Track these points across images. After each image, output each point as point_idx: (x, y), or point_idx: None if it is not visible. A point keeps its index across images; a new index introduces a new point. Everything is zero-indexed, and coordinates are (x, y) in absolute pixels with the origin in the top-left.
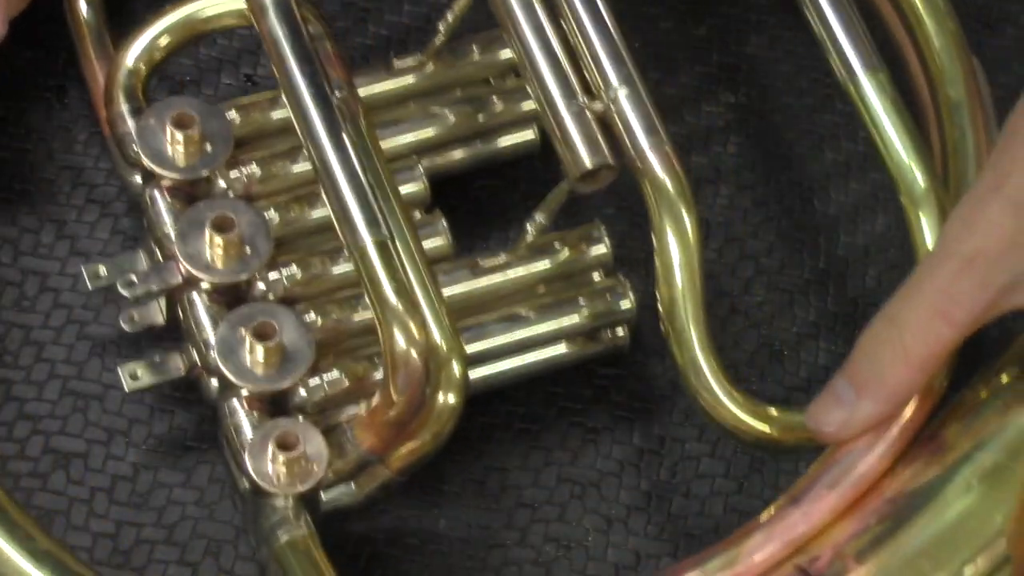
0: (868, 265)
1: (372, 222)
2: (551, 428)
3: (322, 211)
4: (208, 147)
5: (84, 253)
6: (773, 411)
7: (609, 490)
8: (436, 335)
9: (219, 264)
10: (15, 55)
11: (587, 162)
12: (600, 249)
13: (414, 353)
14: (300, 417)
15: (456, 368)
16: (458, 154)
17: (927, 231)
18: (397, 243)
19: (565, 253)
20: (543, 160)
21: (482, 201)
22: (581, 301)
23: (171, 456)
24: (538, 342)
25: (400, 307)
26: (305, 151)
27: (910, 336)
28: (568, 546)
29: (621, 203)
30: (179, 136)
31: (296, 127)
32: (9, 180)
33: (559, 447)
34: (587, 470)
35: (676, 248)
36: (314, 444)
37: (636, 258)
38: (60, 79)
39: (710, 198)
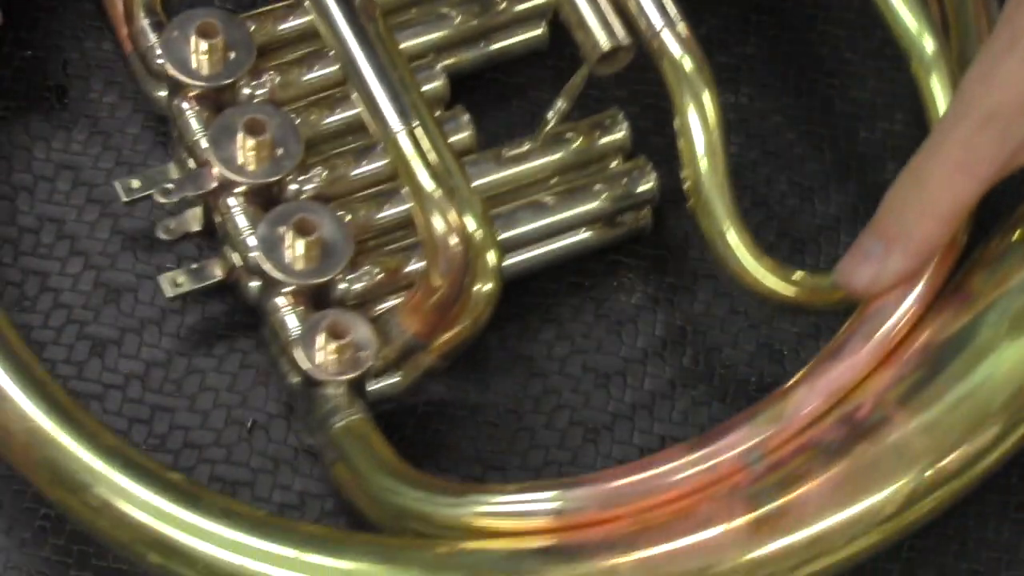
0: None
1: (402, 112)
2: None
3: (345, 113)
4: (232, 55)
5: (84, 253)
6: (799, 275)
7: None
8: (472, 222)
9: (253, 167)
10: (15, 55)
11: (604, 44)
12: (620, 133)
13: (453, 237)
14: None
15: (491, 255)
16: (469, 54)
17: (939, 95)
18: (427, 132)
19: (586, 139)
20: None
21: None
22: (604, 185)
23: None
24: (563, 228)
25: (437, 191)
26: (332, 51)
27: (934, 191)
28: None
29: None
30: (204, 46)
31: (321, 29)
32: (9, 179)
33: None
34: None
35: (697, 124)
36: (362, 332)
37: (636, 258)
38: (60, 79)
39: None
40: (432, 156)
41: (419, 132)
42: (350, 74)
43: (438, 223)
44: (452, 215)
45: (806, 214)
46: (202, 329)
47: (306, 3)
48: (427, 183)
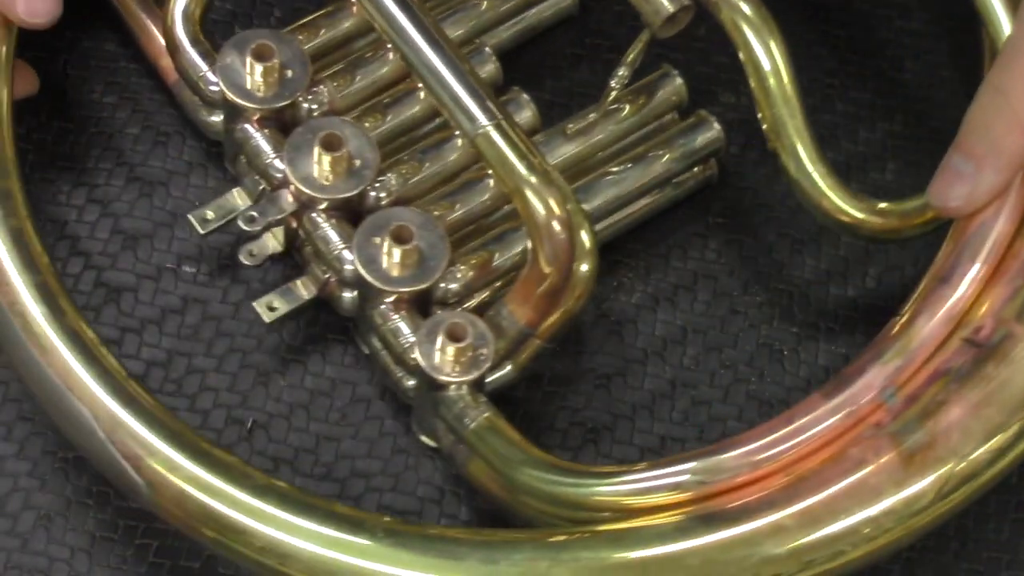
0: (868, 265)
1: (484, 108)
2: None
3: (407, 112)
4: (288, 73)
5: (84, 253)
6: (884, 205)
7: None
8: (567, 204)
9: (334, 182)
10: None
11: (669, 7)
12: (676, 88)
13: (556, 224)
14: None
15: (586, 234)
16: (507, 32)
17: (1001, 13)
18: (508, 122)
19: (645, 99)
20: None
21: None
22: (669, 144)
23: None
24: (638, 194)
25: (537, 181)
26: (400, 55)
27: (1019, 102)
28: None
29: None
30: (260, 68)
31: (387, 36)
32: None
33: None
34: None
35: (768, 69)
36: (478, 330)
37: (636, 258)
38: (60, 79)
39: (709, 199)
40: (522, 146)
41: (504, 125)
42: (427, 79)
43: (542, 211)
44: (553, 201)
45: (806, 214)
46: (202, 329)
47: (369, 16)
48: (526, 173)
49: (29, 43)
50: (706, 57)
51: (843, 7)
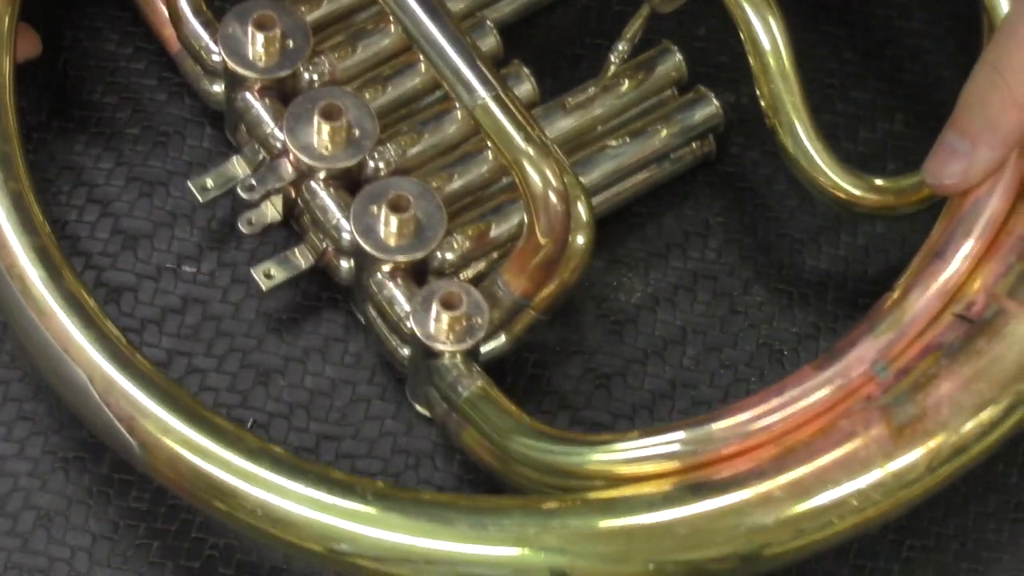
0: (868, 265)
1: (483, 80)
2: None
3: (407, 84)
4: (290, 43)
5: (85, 253)
6: (881, 182)
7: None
8: (564, 175)
9: (333, 151)
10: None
11: None
12: (676, 64)
13: (552, 195)
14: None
15: (582, 207)
16: (508, 6)
17: None
18: (507, 94)
19: (644, 74)
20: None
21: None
22: (667, 119)
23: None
24: (635, 169)
25: (533, 152)
26: (401, 27)
27: (1014, 79)
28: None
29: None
30: (262, 38)
31: (388, 7)
32: None
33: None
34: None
35: (768, 46)
36: (473, 299)
37: (636, 258)
38: (60, 79)
39: (709, 199)
40: (520, 118)
41: (502, 96)
42: (427, 50)
43: (539, 182)
44: (550, 172)
45: (806, 214)
46: (202, 329)
47: None
48: (523, 144)
49: None
50: (706, 57)
51: (843, 7)
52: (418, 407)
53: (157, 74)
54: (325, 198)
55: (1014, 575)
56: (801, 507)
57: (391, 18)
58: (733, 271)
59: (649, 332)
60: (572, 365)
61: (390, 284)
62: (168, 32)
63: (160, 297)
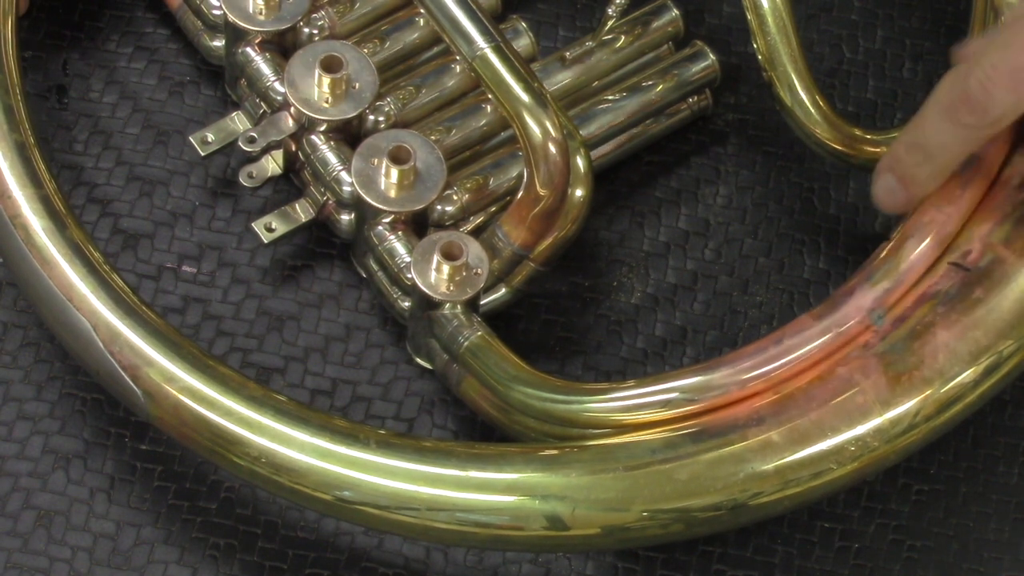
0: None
1: (483, 31)
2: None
3: (406, 38)
4: None
5: None
6: (873, 135)
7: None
8: (563, 128)
9: (334, 103)
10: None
11: None
12: (672, 19)
13: (552, 146)
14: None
15: (581, 160)
16: None
17: None
18: (504, 46)
19: (641, 29)
20: None
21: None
22: (664, 73)
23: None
24: (632, 123)
25: (533, 102)
26: None
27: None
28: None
29: (621, 202)
30: None
31: None
32: None
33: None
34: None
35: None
36: (473, 250)
37: (636, 256)
38: (60, 79)
39: (710, 198)
40: (519, 69)
41: (502, 47)
42: (426, 3)
43: (538, 132)
44: (549, 123)
45: (806, 214)
46: (202, 329)
47: None
48: (522, 95)
49: (29, 43)
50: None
51: (843, 7)
52: (419, 360)
53: (157, 74)
54: (325, 151)
55: (1014, 575)
56: (799, 454)
57: None
58: (733, 271)
59: (649, 332)
60: (572, 365)
61: (391, 236)
62: None
63: (160, 297)
